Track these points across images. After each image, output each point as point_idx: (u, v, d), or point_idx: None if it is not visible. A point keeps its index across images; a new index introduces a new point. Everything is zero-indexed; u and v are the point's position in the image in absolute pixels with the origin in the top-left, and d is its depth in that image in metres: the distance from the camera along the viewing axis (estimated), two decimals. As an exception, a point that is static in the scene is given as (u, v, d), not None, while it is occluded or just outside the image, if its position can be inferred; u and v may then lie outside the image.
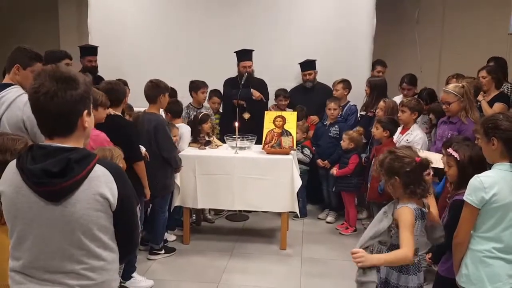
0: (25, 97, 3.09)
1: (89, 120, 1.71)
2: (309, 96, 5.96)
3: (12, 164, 1.69)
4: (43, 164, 1.60)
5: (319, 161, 5.54)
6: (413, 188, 2.45)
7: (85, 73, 4.57)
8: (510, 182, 2.33)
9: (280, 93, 5.89)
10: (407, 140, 4.48)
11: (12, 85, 3.10)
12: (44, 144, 1.67)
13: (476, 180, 2.36)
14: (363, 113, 5.61)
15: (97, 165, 1.66)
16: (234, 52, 5.72)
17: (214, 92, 5.81)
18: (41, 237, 1.65)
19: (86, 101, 1.69)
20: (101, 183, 1.65)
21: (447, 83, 5.14)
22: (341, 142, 5.22)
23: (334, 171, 5.21)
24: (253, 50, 5.72)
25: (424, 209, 2.55)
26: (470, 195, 2.36)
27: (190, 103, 5.57)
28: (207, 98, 5.73)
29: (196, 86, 5.54)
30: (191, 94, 5.58)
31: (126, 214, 1.74)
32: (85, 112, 1.68)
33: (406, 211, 2.45)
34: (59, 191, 1.60)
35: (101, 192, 1.64)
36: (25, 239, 1.67)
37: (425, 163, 2.48)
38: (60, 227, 1.64)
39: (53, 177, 1.59)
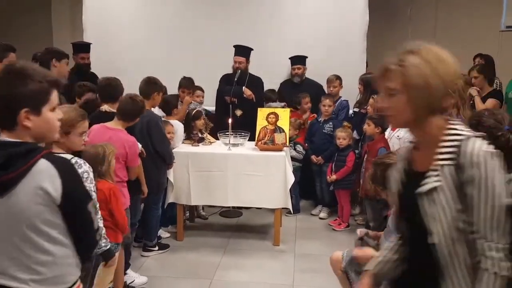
0: None
1: (35, 120, 1.67)
2: (297, 91, 5.97)
3: None
4: None
5: (313, 157, 5.57)
6: None
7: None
8: None
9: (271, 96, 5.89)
10: (397, 136, 4.51)
11: None
12: None
13: None
14: (356, 110, 5.64)
15: (42, 159, 1.65)
16: (234, 46, 5.71)
17: (196, 87, 5.71)
18: None
19: (33, 100, 1.66)
20: (43, 177, 1.64)
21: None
22: (340, 141, 5.21)
23: (334, 177, 5.21)
24: (252, 49, 5.71)
25: None
26: None
27: (180, 100, 5.57)
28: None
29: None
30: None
31: (74, 211, 1.73)
32: (24, 110, 1.64)
33: None
34: (2, 184, 1.62)
35: (42, 185, 1.63)
36: None
37: None
38: (6, 220, 1.66)
39: None
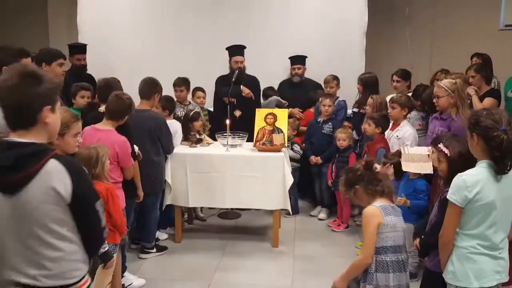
0: None
1: (52, 117, 1.77)
2: (297, 91, 5.97)
3: None
4: None
5: (312, 157, 5.54)
6: (373, 188, 2.64)
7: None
8: (492, 180, 2.33)
9: (271, 93, 5.89)
10: (397, 136, 4.49)
11: None
12: (5, 140, 1.74)
13: (459, 179, 2.36)
14: (355, 110, 5.63)
15: (51, 160, 1.71)
16: (226, 48, 5.70)
17: (197, 88, 5.75)
18: (4, 228, 1.74)
19: (50, 98, 1.76)
20: (54, 178, 1.70)
21: (436, 78, 5.16)
22: (340, 142, 5.19)
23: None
24: (245, 47, 5.71)
25: (394, 206, 2.68)
26: (453, 194, 2.36)
27: (176, 100, 5.54)
28: (190, 95, 5.71)
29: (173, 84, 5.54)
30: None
31: (84, 210, 1.80)
32: (47, 108, 1.74)
33: (366, 212, 2.62)
34: (12, 184, 1.68)
35: (53, 186, 1.70)
36: None
37: (369, 162, 2.74)
38: (16, 218, 1.72)
39: (6, 170, 1.66)
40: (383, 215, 2.57)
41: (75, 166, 1.79)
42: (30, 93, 1.70)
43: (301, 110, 5.96)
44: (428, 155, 3.50)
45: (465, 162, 2.63)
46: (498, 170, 2.32)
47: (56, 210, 1.73)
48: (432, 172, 3.67)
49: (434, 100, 4.13)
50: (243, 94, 5.64)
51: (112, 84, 3.94)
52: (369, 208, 2.62)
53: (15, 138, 1.72)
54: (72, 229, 1.79)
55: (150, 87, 4.33)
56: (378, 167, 2.77)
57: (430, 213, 3.84)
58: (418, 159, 3.62)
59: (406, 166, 3.68)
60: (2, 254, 1.76)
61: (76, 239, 1.81)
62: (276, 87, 6.08)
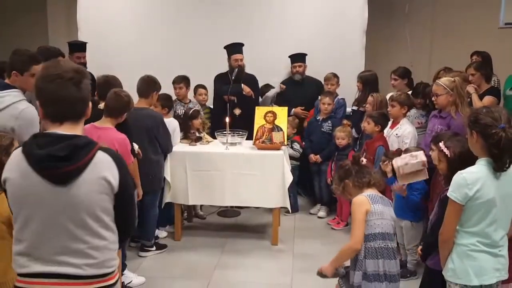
0: (23, 104, 3.04)
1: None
2: (298, 89, 5.97)
3: (17, 152, 1.78)
4: (49, 149, 1.70)
5: (311, 156, 5.54)
6: (360, 180, 2.77)
7: None
8: (492, 177, 2.34)
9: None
10: (396, 134, 4.49)
11: (13, 87, 3.06)
12: (48, 132, 1.77)
13: (459, 176, 2.37)
14: (355, 108, 5.62)
15: (99, 151, 1.78)
16: (224, 47, 5.70)
17: (199, 85, 5.76)
18: (47, 219, 1.76)
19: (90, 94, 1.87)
20: (104, 168, 1.78)
21: (437, 76, 5.15)
22: (339, 141, 5.19)
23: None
24: (243, 44, 5.70)
25: (383, 196, 2.77)
26: (453, 192, 2.37)
27: (176, 98, 5.55)
28: (191, 92, 5.71)
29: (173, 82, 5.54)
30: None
31: (126, 198, 1.87)
32: (89, 102, 1.85)
33: (354, 201, 2.71)
34: (65, 174, 1.72)
35: (104, 175, 1.77)
36: (31, 222, 1.77)
37: (356, 156, 2.90)
38: (66, 208, 1.75)
39: (59, 161, 1.70)
40: (370, 203, 2.66)
41: (119, 157, 1.86)
42: (88, 87, 1.81)
43: (303, 108, 5.94)
44: (422, 162, 3.55)
45: (465, 161, 2.63)
46: (497, 167, 2.33)
47: (104, 200, 1.79)
48: (428, 177, 3.69)
49: (433, 98, 4.13)
50: (244, 93, 5.64)
51: (111, 82, 3.93)
52: (357, 197, 2.72)
53: (59, 131, 1.76)
54: (112, 219, 1.85)
55: (148, 85, 4.32)
56: (364, 160, 2.89)
57: (425, 209, 3.87)
58: (409, 170, 3.64)
59: (402, 180, 3.72)
60: (37, 246, 1.77)
61: (114, 228, 1.87)
62: (273, 85, 6.06)
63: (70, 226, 1.76)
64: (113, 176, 1.79)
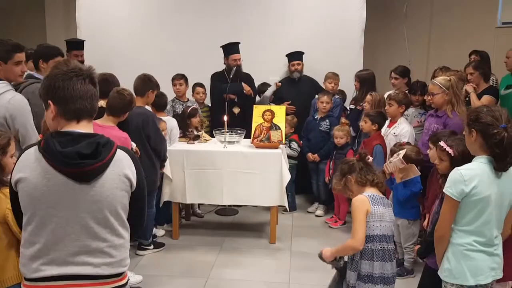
0: (10, 93, 3.06)
1: None
2: (296, 88, 5.97)
3: (30, 152, 1.75)
4: (75, 147, 1.70)
5: (309, 154, 5.55)
6: (363, 177, 2.73)
7: None
8: (489, 175, 2.35)
9: (268, 88, 5.93)
10: (394, 133, 4.50)
11: None
12: (66, 131, 1.76)
13: (456, 172, 2.37)
14: (352, 106, 5.63)
15: (118, 149, 1.81)
16: (221, 46, 5.70)
17: (197, 84, 5.76)
18: (66, 218, 1.74)
19: None
20: (124, 165, 1.80)
21: (434, 75, 5.16)
22: (337, 140, 5.19)
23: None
24: (239, 43, 5.70)
25: (384, 197, 2.74)
26: (450, 188, 2.38)
27: (175, 97, 5.55)
28: (190, 91, 5.72)
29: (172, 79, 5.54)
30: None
31: (141, 195, 1.90)
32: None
33: (355, 200, 2.69)
34: (92, 171, 1.72)
35: (125, 173, 1.80)
36: (48, 222, 1.74)
37: (363, 153, 2.84)
38: (88, 206, 1.75)
39: (85, 159, 1.70)
40: (371, 204, 2.63)
41: (134, 155, 1.88)
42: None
43: (289, 103, 5.87)
44: (400, 160, 3.63)
45: (469, 160, 2.63)
46: (498, 167, 2.33)
47: (124, 197, 1.81)
48: (419, 174, 3.71)
49: (429, 98, 4.14)
50: (244, 91, 5.65)
51: (109, 79, 3.92)
52: (358, 197, 2.70)
53: (77, 129, 1.76)
54: (126, 216, 1.85)
55: (143, 83, 4.29)
56: (371, 158, 2.86)
57: (414, 198, 3.90)
58: (392, 167, 3.72)
59: (397, 178, 3.79)
60: (54, 247, 1.74)
61: (128, 227, 1.87)
62: (270, 83, 6.07)
63: (92, 224, 1.75)
64: (132, 173, 1.82)
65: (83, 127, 1.79)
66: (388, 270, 2.66)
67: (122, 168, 1.79)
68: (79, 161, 1.69)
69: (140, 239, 4.51)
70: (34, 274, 1.74)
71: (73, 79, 1.74)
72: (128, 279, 1.91)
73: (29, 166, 1.73)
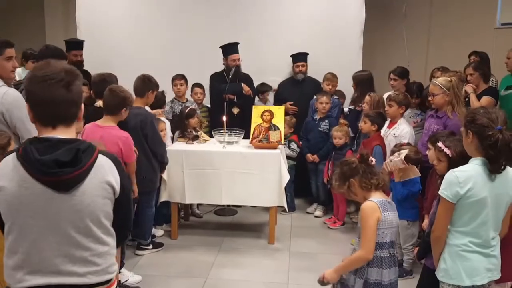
0: (3, 89, 3.06)
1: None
2: (299, 89, 5.97)
3: (8, 159, 1.68)
4: (53, 155, 1.62)
5: (308, 155, 5.55)
6: (368, 181, 2.61)
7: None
8: (484, 177, 2.35)
9: (267, 88, 5.91)
10: (394, 134, 4.50)
11: None
12: (45, 137, 1.69)
13: (452, 175, 2.38)
14: (351, 107, 5.63)
15: (99, 154, 1.74)
16: (220, 47, 5.70)
17: (195, 84, 5.76)
18: (47, 228, 1.68)
19: (82, 95, 1.79)
20: (106, 171, 1.73)
21: (432, 75, 5.17)
22: (336, 140, 5.18)
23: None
24: (238, 43, 5.70)
25: (391, 201, 2.67)
26: (445, 190, 2.38)
27: (174, 97, 5.55)
28: (189, 91, 5.73)
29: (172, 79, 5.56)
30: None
31: (125, 201, 1.84)
32: (82, 104, 1.78)
33: (365, 207, 2.57)
34: (71, 180, 1.65)
35: (107, 179, 1.73)
36: (29, 231, 1.68)
37: (365, 155, 2.69)
38: (68, 216, 1.68)
39: (64, 167, 1.63)
40: (381, 211, 2.55)
41: (117, 160, 1.81)
42: (79, 89, 1.72)
43: (291, 104, 5.90)
44: (401, 160, 3.62)
45: (466, 161, 2.63)
46: (492, 169, 2.33)
47: (107, 204, 1.75)
48: (419, 175, 3.71)
49: (430, 98, 4.14)
50: (244, 92, 5.65)
51: (107, 79, 3.92)
52: (368, 203, 2.58)
53: (56, 135, 1.68)
54: (111, 223, 1.80)
55: (143, 84, 4.28)
56: (373, 160, 2.74)
57: (413, 198, 3.90)
58: (392, 166, 3.71)
59: (396, 178, 3.79)
60: (36, 257, 1.69)
61: (113, 232, 1.82)
62: (270, 84, 6.07)
63: (74, 234, 1.69)
64: (115, 180, 1.75)
65: (62, 133, 1.70)
66: (393, 275, 2.62)
67: (104, 174, 1.72)
68: (57, 170, 1.62)
69: (139, 239, 4.51)
70: (19, 285, 1.69)
71: (46, 83, 1.65)
72: (116, 284, 1.87)
73: (7, 174, 1.66)
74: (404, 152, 3.67)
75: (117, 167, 1.77)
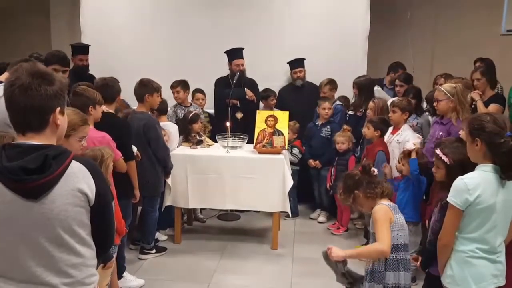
0: None
1: (61, 119, 1.70)
2: (299, 95, 5.97)
3: None
4: (20, 161, 1.57)
5: (310, 161, 5.54)
6: (372, 191, 2.69)
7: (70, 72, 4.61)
8: (493, 184, 2.33)
9: (271, 93, 5.91)
10: (397, 140, 4.48)
11: None
12: (17, 143, 1.65)
13: (461, 182, 2.35)
14: (351, 112, 5.63)
15: (73, 161, 1.66)
16: (225, 52, 5.71)
17: (197, 90, 5.77)
18: (19, 236, 1.63)
19: (60, 99, 1.69)
20: (79, 179, 1.65)
21: (436, 82, 5.16)
22: (339, 145, 5.17)
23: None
24: (243, 48, 5.71)
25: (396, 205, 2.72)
26: (454, 197, 2.36)
27: (176, 102, 5.55)
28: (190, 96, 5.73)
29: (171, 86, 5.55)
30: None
31: (103, 210, 1.75)
32: (58, 109, 1.67)
33: (377, 209, 2.63)
34: (38, 187, 1.59)
35: (79, 187, 1.65)
36: (0, 240, 1.64)
37: (366, 166, 2.77)
38: (39, 224, 1.62)
39: (31, 174, 1.57)
40: (393, 213, 2.60)
41: (95, 167, 1.75)
42: (43, 94, 1.62)
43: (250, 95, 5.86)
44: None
45: (464, 169, 2.62)
46: (506, 176, 2.31)
47: (80, 213, 1.67)
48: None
49: (434, 104, 4.14)
50: (247, 97, 5.65)
51: (110, 84, 3.91)
52: (379, 206, 2.63)
53: (28, 141, 1.64)
54: (89, 233, 1.73)
55: (139, 89, 4.27)
56: (375, 170, 2.78)
57: (417, 201, 3.90)
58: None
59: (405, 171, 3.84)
60: (8, 267, 1.65)
61: (91, 243, 1.75)
62: (273, 89, 6.06)
63: (45, 243, 1.63)
64: (89, 187, 1.66)
65: (34, 139, 1.64)
66: (409, 280, 2.63)
67: (76, 182, 1.64)
68: (23, 177, 1.56)
69: (143, 243, 4.51)
70: None
71: (10, 89, 1.61)
72: None
73: None
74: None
75: (93, 174, 1.69)
